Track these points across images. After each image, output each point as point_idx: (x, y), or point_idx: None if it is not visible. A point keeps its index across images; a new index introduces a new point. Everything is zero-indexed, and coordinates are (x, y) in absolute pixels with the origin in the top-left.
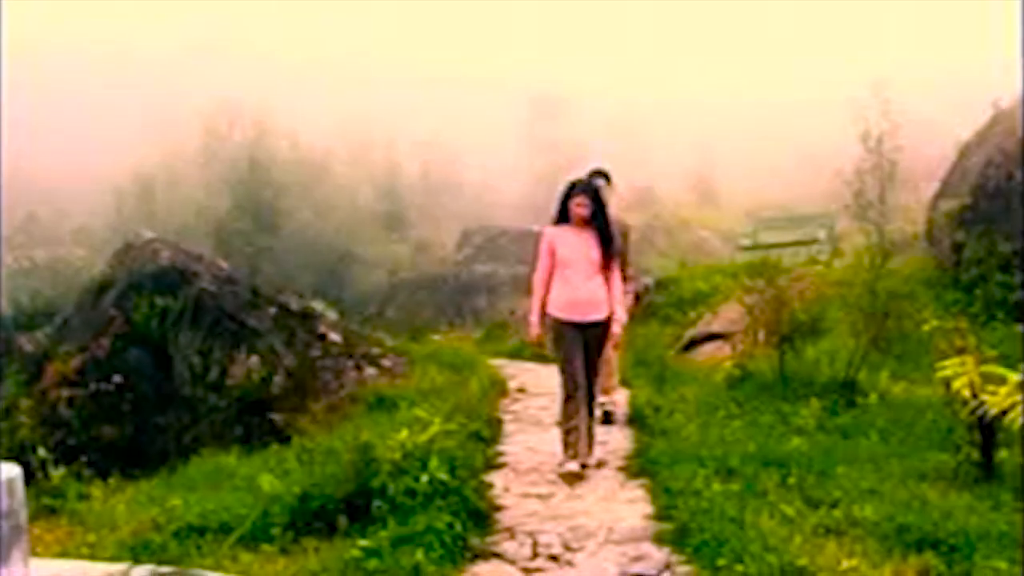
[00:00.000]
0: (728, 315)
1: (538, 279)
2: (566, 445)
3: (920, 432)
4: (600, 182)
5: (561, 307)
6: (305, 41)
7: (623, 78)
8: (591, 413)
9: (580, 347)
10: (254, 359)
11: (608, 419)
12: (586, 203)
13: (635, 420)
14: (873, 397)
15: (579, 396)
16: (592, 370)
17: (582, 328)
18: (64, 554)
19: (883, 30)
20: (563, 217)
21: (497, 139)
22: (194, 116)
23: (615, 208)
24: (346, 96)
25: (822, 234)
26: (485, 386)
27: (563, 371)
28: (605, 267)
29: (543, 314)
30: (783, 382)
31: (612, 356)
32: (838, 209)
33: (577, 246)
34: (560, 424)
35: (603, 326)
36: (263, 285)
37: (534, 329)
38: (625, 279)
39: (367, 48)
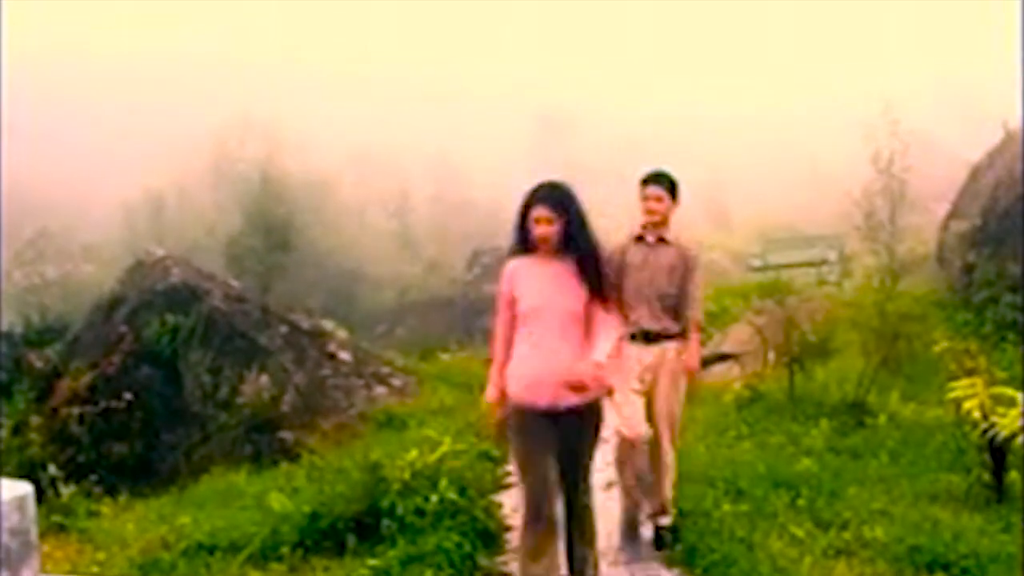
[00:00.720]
0: (738, 336)
1: (497, 339)
2: None
3: (930, 453)
4: (656, 191)
5: (520, 385)
6: (311, 57)
7: (631, 96)
8: (571, 543)
9: (550, 447)
10: (264, 377)
11: (662, 541)
12: (550, 216)
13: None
14: (883, 418)
15: (550, 521)
16: (574, 478)
17: (554, 418)
18: (74, 572)
19: (885, 44)
20: (525, 241)
21: (506, 157)
22: (204, 133)
23: (675, 231)
24: (355, 113)
25: (832, 255)
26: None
27: (524, 481)
28: (590, 318)
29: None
30: (793, 403)
31: (675, 406)
32: (848, 230)
33: (543, 288)
34: (522, 566)
35: (588, 414)
36: (274, 304)
37: (494, 412)
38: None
39: (374, 63)
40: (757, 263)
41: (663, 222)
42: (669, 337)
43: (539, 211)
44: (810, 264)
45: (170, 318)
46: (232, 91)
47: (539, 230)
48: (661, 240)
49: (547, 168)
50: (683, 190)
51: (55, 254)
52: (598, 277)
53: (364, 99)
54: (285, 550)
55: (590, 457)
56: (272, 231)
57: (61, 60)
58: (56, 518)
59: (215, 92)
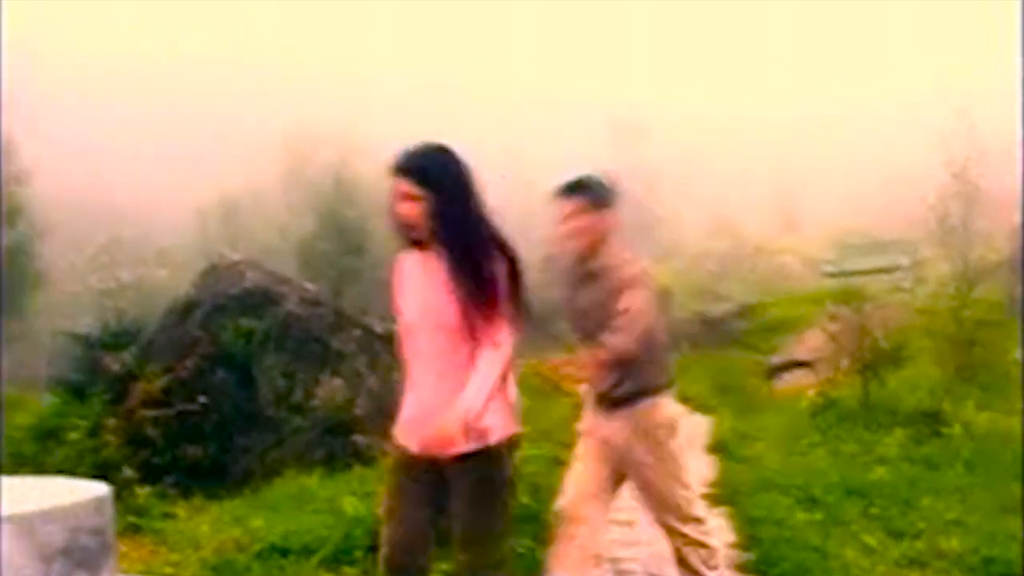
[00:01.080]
0: (812, 342)
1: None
2: None
3: (1006, 463)
4: (575, 203)
5: (400, 422)
6: (385, 62)
7: (702, 100)
8: None
9: (422, 508)
10: (338, 381)
11: None
12: (412, 191)
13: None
14: (958, 427)
15: None
16: (467, 561)
17: (438, 471)
18: (148, 572)
19: (961, 47)
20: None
21: (576, 162)
22: (277, 137)
23: (616, 250)
24: (427, 116)
25: (905, 260)
26: (568, 410)
27: (384, 541)
28: (476, 332)
29: None
30: (866, 411)
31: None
32: (922, 235)
33: (423, 297)
34: None
35: (478, 464)
36: (347, 307)
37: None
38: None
39: (447, 68)
40: (830, 268)
41: (593, 244)
42: (634, 397)
43: (398, 185)
44: (883, 270)
45: (244, 322)
46: (305, 95)
47: (400, 209)
48: (594, 270)
49: (617, 175)
50: (755, 193)
51: (129, 258)
52: (476, 276)
53: (436, 102)
54: (358, 554)
55: (488, 530)
56: (344, 234)
57: (136, 68)
58: (131, 518)
59: (288, 96)
